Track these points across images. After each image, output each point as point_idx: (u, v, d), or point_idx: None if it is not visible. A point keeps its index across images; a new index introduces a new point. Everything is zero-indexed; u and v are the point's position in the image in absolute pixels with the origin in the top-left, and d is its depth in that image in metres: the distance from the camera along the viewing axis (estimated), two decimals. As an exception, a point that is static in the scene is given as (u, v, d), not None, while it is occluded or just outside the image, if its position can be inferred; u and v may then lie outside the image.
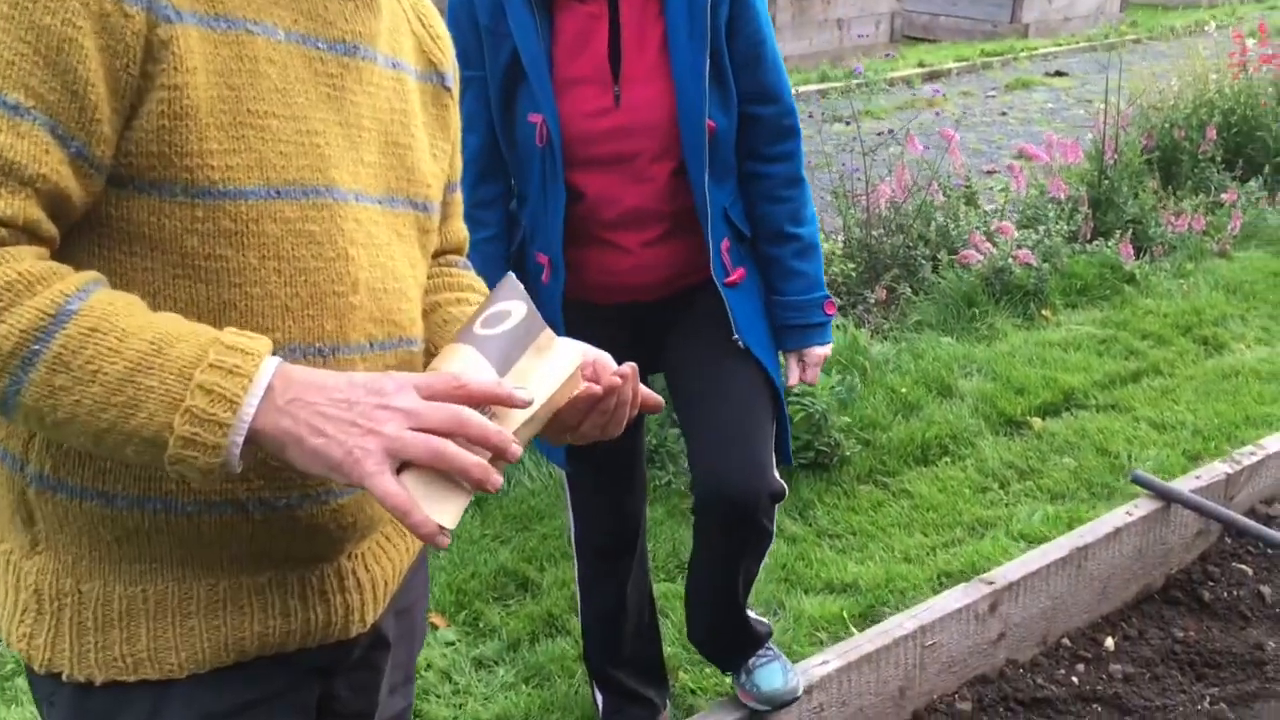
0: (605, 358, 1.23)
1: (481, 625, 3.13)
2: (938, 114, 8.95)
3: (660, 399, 1.26)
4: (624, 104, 2.02)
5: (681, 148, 2.04)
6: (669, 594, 3.13)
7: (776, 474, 2.20)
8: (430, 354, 1.34)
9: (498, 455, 1.03)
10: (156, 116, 1.04)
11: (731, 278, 2.15)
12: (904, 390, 4.23)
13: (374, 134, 1.23)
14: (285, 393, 1.00)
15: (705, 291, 2.17)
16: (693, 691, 2.84)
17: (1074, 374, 4.43)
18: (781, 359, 2.29)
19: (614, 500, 2.43)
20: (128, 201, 1.06)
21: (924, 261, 5.03)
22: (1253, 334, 4.90)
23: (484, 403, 1.06)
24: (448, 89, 1.37)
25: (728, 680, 2.75)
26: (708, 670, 2.87)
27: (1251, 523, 3.14)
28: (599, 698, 2.68)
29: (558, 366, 1.16)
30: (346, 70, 1.19)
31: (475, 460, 1.00)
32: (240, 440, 0.99)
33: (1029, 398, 4.24)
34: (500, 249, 2.17)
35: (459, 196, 1.48)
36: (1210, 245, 5.71)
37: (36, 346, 0.96)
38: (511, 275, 1.21)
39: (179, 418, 0.97)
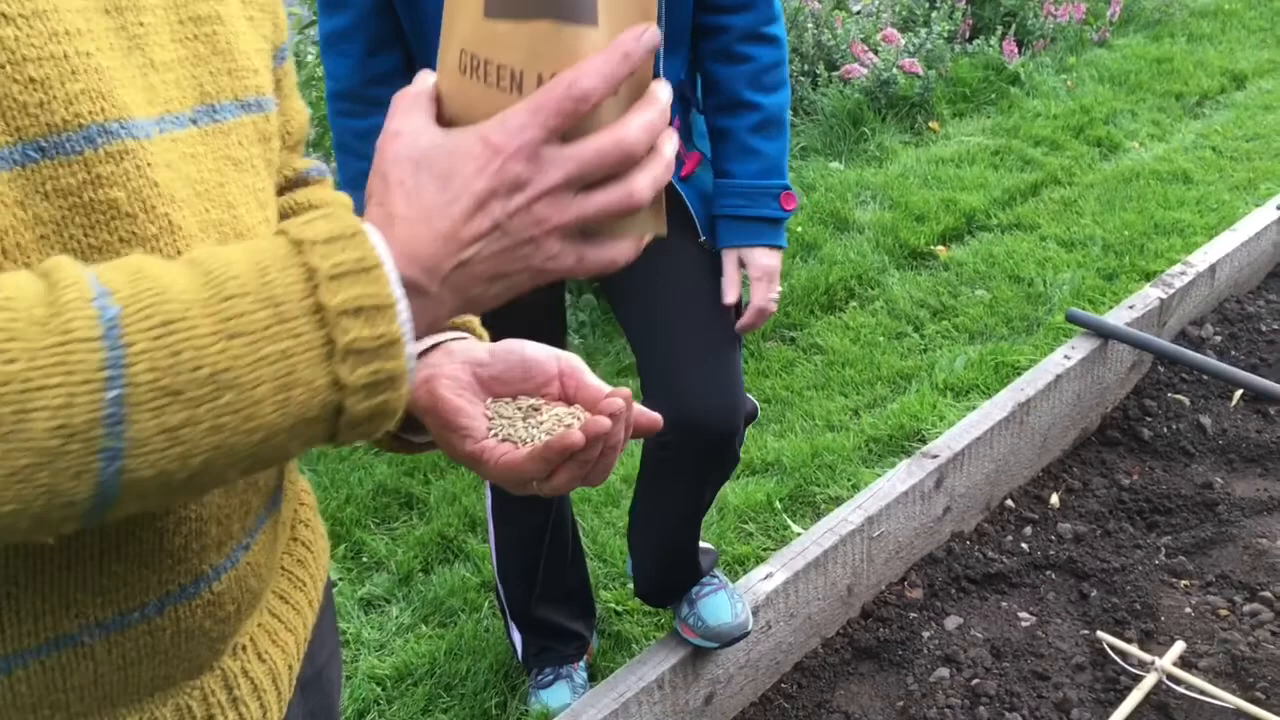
0: (577, 364, 0.86)
1: (365, 558, 2.73)
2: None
3: (659, 418, 0.85)
4: None
5: None
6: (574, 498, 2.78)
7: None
8: None
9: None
10: None
11: (685, 168, 1.73)
12: (799, 229, 3.88)
13: (161, 14, 0.75)
14: (429, 274, 0.65)
15: None
16: (617, 613, 2.52)
17: (972, 193, 4.14)
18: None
19: None
20: None
21: (802, 79, 4.61)
22: (1145, 130, 4.67)
23: (619, 86, 0.66)
24: None
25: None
26: (631, 586, 2.55)
27: (1200, 356, 2.91)
28: (516, 637, 2.33)
29: None
30: None
31: (662, 169, 0.68)
32: (413, 341, 0.65)
33: (930, 224, 3.93)
34: None
35: (292, 65, 0.98)
36: (1090, 34, 5.42)
37: (112, 393, 0.57)
38: None
39: (344, 368, 0.62)
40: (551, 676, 2.30)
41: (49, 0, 0.67)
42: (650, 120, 0.66)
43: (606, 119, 0.66)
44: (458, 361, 0.85)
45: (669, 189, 1.78)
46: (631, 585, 2.55)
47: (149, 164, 0.71)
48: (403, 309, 0.64)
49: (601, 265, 0.69)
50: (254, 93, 0.83)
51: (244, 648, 0.85)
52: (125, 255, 0.68)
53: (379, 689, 2.37)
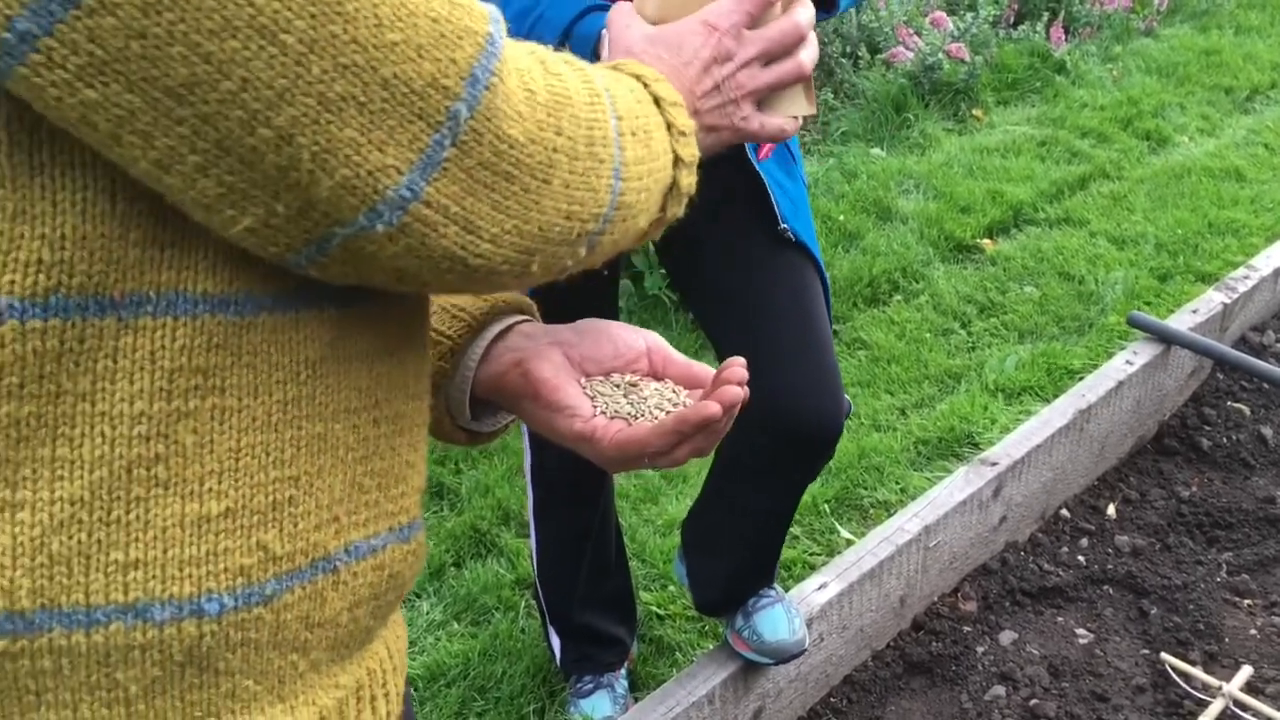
0: (662, 341, 0.88)
1: (395, 549, 2.63)
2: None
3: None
4: None
5: None
6: (614, 494, 2.68)
7: None
8: None
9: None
10: None
11: (762, 150, 1.62)
12: (841, 217, 3.76)
13: None
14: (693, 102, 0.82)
15: (732, 167, 1.63)
16: (659, 617, 2.42)
17: (1019, 185, 4.02)
18: None
19: None
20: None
21: (844, 61, 4.48)
22: (1194, 123, 4.54)
23: None
24: None
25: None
26: (673, 588, 2.46)
27: (1267, 365, 2.79)
28: (554, 642, 2.24)
29: None
30: None
31: (815, 49, 0.88)
32: None
33: (976, 216, 3.81)
34: None
35: None
36: (1136, 23, 5.28)
37: (614, 121, 0.69)
38: None
39: (679, 144, 0.76)
40: (591, 685, 2.21)
41: None
42: (810, 12, 0.86)
43: (774, 13, 0.85)
44: (544, 343, 0.85)
45: (748, 173, 1.67)
46: (673, 588, 2.45)
47: None
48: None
49: (774, 131, 0.86)
50: None
51: (391, 620, 0.82)
52: None
53: (410, 688, 2.28)
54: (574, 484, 2.02)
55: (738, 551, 1.98)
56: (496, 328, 0.86)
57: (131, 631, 0.60)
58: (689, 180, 0.77)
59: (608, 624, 2.21)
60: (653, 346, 0.87)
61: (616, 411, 0.82)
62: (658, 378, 0.86)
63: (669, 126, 0.75)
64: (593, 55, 1.30)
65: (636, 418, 0.82)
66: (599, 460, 0.82)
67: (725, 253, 1.70)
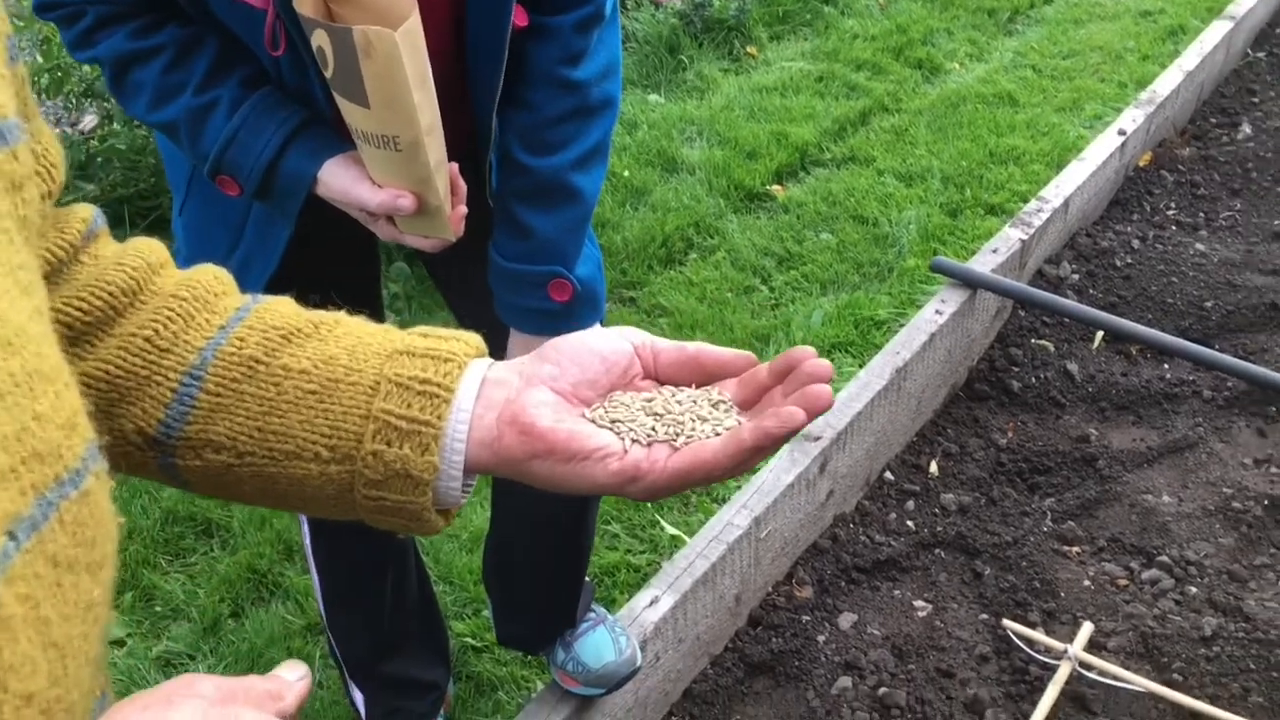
0: (639, 333, 0.73)
1: (158, 605, 2.28)
2: None
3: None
4: None
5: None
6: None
7: None
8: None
9: None
10: None
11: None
12: (626, 173, 3.53)
13: None
14: None
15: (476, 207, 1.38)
16: (476, 650, 2.17)
17: (801, 124, 3.88)
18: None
19: None
20: None
21: (611, 2, 4.22)
22: (963, 49, 4.52)
23: None
24: None
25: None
26: (488, 614, 2.21)
27: (1069, 303, 2.74)
28: (357, 696, 1.96)
29: (408, 52, 1.02)
30: None
31: None
32: None
33: (764, 161, 3.66)
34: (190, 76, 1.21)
35: (25, 73, 0.63)
36: (897, -51, 5.23)
37: None
38: None
39: None
40: (405, 741, 1.95)
41: None
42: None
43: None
44: (525, 386, 0.70)
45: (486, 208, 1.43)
46: (488, 613, 2.21)
47: None
48: None
49: None
50: None
51: None
52: None
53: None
54: None
55: (538, 578, 1.76)
56: (469, 393, 0.69)
57: None
58: None
59: (417, 668, 1.95)
60: (638, 344, 0.73)
61: (650, 435, 0.68)
62: (656, 378, 0.73)
63: None
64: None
65: (678, 436, 0.68)
66: (649, 496, 0.68)
67: (461, 280, 1.47)
